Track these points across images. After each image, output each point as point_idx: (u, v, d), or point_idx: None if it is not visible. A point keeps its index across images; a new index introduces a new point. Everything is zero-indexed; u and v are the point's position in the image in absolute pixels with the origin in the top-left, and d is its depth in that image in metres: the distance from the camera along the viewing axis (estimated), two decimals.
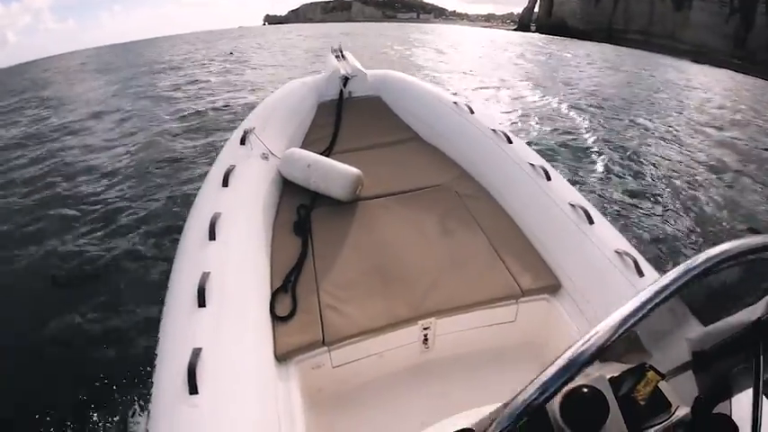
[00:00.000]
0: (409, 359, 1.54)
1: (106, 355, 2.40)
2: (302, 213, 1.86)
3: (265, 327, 1.36)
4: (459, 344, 1.60)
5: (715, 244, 0.55)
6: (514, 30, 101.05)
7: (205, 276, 1.28)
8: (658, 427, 0.64)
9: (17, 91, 15.79)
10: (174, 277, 1.39)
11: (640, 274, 1.46)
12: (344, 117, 2.68)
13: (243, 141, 2.08)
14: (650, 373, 0.64)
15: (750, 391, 0.58)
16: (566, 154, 6.39)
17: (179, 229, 1.67)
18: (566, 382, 0.48)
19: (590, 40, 79.26)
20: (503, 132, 2.24)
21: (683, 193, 5.26)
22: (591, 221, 1.66)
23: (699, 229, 4.44)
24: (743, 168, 6.62)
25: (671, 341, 0.68)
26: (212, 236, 1.46)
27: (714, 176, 6.02)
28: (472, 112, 2.49)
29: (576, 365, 0.48)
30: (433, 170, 2.24)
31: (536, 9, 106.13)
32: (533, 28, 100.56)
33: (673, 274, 0.55)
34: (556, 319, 1.59)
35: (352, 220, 1.87)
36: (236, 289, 1.34)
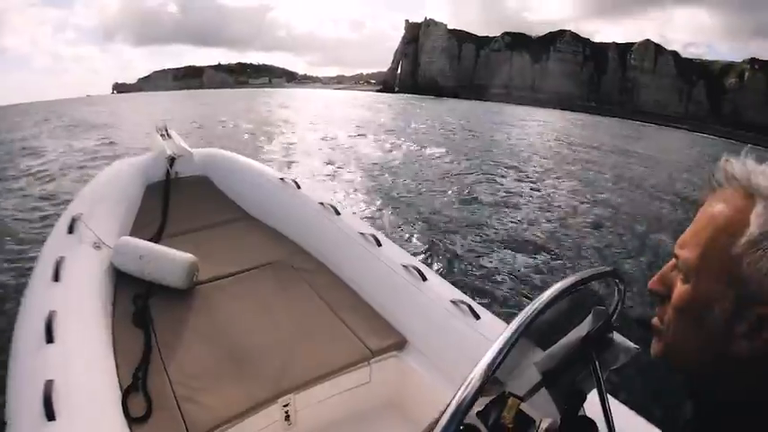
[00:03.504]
0: None
1: None
2: (139, 304, 1.79)
3: None
4: (321, 415, 1.63)
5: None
6: (378, 91, 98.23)
7: (49, 385, 1.18)
8: None
9: None
10: (13, 389, 1.29)
11: (476, 317, 1.62)
12: (173, 199, 2.56)
13: (71, 230, 1.97)
14: (510, 400, 0.74)
15: (595, 392, 0.72)
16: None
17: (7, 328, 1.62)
18: (457, 428, 0.53)
19: (457, 98, 75.59)
20: (330, 205, 2.35)
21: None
22: (424, 278, 1.82)
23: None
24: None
25: (522, 370, 0.80)
26: (50, 338, 1.36)
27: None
28: (299, 187, 2.56)
29: (461, 412, 0.53)
30: (266, 247, 2.26)
31: (398, 70, 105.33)
32: (396, 89, 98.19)
33: (523, 314, 0.63)
34: (408, 373, 1.70)
35: (193, 305, 1.84)
36: (85, 395, 1.27)
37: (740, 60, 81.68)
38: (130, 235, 2.14)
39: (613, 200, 8.02)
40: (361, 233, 2.09)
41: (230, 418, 1.35)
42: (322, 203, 2.35)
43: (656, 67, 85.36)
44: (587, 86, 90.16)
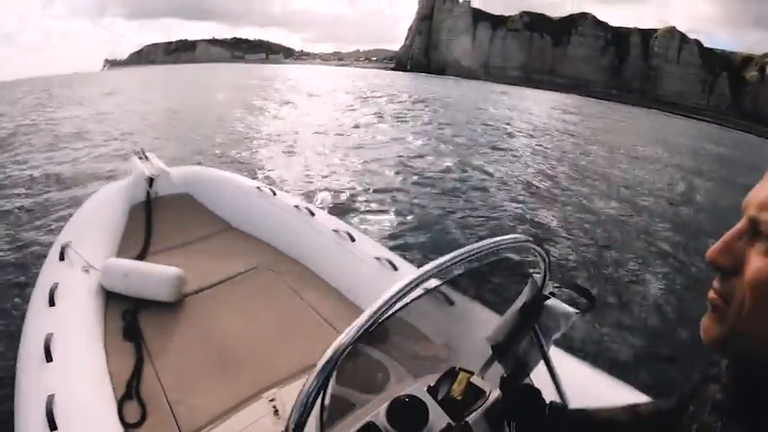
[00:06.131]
0: None
1: None
2: (128, 319, 1.91)
3: None
4: None
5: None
6: (392, 69, 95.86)
7: (51, 399, 1.31)
8: (477, 411, 0.78)
9: None
10: (19, 404, 1.42)
11: (450, 303, 1.63)
12: (156, 217, 2.69)
13: (62, 257, 2.11)
14: (461, 374, 0.78)
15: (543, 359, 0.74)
16: None
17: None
18: (333, 368, 0.59)
19: (469, 78, 73.01)
20: (305, 208, 2.46)
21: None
22: (395, 268, 1.92)
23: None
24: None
25: (475, 344, 0.82)
26: (49, 357, 1.50)
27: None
28: (274, 194, 2.67)
29: (340, 350, 0.58)
30: (248, 254, 2.38)
31: (411, 47, 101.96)
32: (409, 67, 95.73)
33: (420, 270, 0.66)
34: None
35: (182, 316, 1.95)
36: (83, 406, 1.38)
37: (760, 54, 79.59)
38: (117, 256, 2.25)
39: None
40: (335, 230, 2.20)
41: (219, 414, 1.43)
42: (297, 206, 2.47)
43: (680, 56, 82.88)
44: (608, 73, 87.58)
